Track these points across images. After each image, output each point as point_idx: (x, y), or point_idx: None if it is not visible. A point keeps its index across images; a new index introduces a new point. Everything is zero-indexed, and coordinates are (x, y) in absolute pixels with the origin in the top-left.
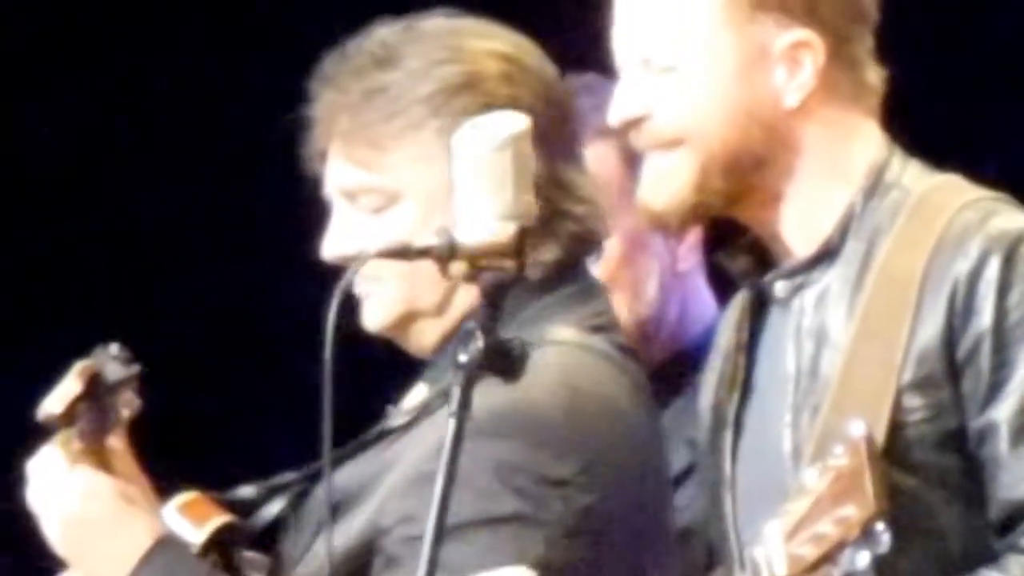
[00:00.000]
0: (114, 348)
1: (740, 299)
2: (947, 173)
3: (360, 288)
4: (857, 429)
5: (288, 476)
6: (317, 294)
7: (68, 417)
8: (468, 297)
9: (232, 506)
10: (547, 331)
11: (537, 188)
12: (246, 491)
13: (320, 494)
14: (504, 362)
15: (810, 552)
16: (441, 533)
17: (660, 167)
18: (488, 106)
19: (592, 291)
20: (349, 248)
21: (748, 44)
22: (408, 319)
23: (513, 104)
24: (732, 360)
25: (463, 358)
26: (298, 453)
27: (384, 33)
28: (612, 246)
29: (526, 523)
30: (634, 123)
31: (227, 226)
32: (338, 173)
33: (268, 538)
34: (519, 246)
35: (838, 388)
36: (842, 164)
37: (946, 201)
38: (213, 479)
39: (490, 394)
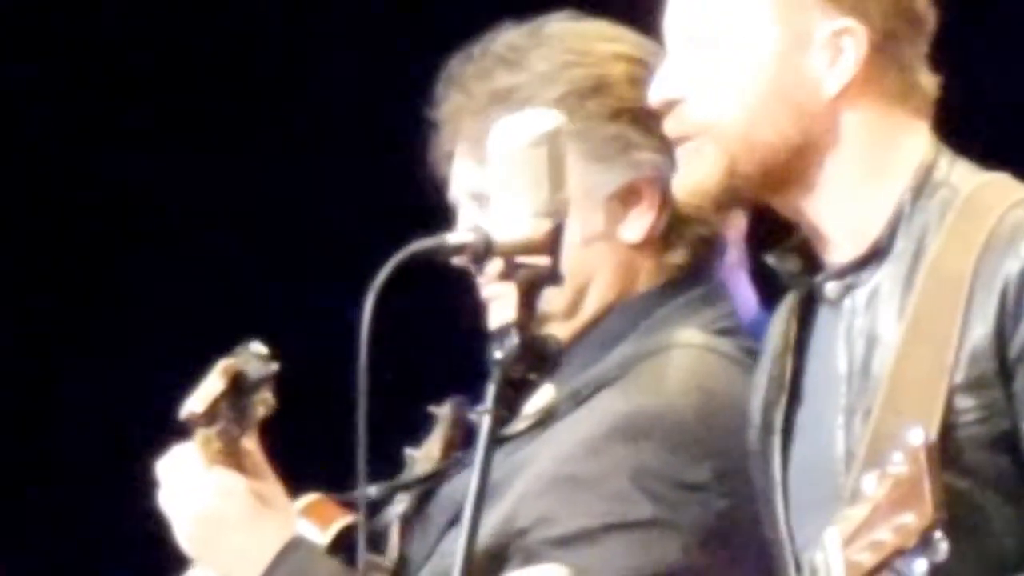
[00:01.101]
0: (256, 345)
1: (788, 301)
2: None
3: (487, 291)
4: (916, 437)
5: (412, 476)
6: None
7: (209, 416)
8: (597, 299)
9: (355, 507)
10: (674, 334)
11: (665, 193)
12: (369, 491)
13: (446, 494)
14: (539, 359)
15: (868, 559)
16: (476, 524)
17: (690, 153)
18: (619, 110)
19: (718, 294)
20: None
21: (792, 28)
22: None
23: (640, 105)
24: (780, 362)
25: (498, 355)
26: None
27: (509, 36)
28: None
29: (663, 528)
30: (670, 104)
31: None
32: (465, 175)
33: (391, 539)
34: (554, 243)
35: (889, 389)
36: (886, 160)
37: (996, 199)
38: (336, 480)
39: (624, 397)
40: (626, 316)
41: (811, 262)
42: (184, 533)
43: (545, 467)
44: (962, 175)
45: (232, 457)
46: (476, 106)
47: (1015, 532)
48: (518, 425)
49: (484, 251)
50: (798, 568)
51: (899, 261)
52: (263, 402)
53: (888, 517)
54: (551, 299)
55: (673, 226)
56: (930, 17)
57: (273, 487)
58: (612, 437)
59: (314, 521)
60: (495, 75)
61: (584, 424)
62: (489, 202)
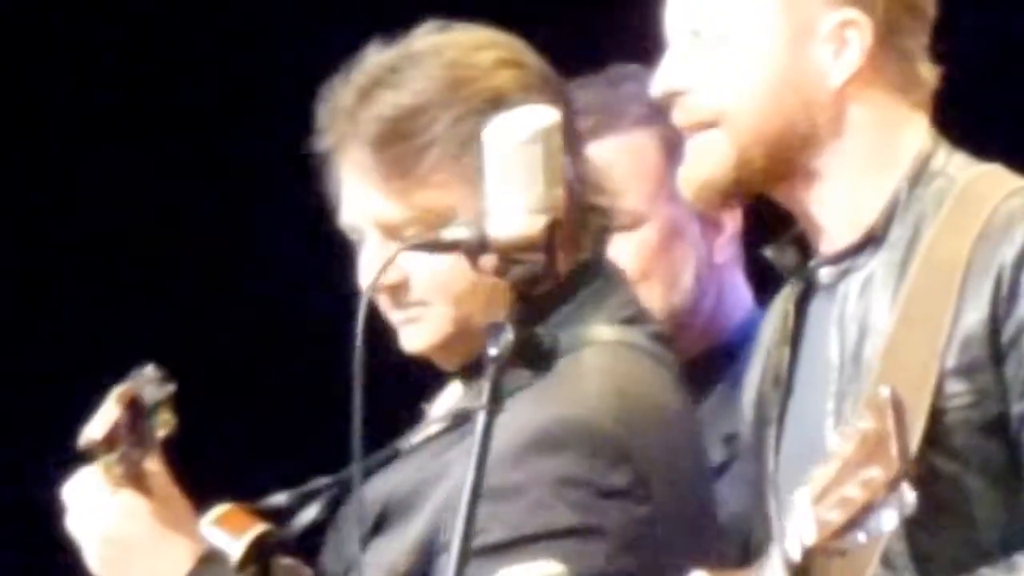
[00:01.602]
0: (150, 369)
1: (785, 293)
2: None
3: (401, 314)
4: (883, 391)
5: (321, 482)
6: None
7: (109, 442)
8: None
9: (267, 515)
10: (584, 331)
11: (570, 189)
12: (279, 499)
13: (361, 499)
14: (534, 355)
15: (837, 516)
16: (470, 533)
17: (699, 145)
18: None
19: (615, 280)
20: (393, 278)
21: (797, 20)
22: (455, 339)
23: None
24: (777, 354)
25: (493, 351)
26: (330, 459)
27: (383, 57)
28: (648, 236)
29: (586, 536)
30: (675, 95)
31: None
32: (371, 207)
33: (305, 545)
34: (550, 240)
35: (879, 373)
36: (886, 150)
37: (991, 189)
38: (244, 490)
39: (540, 406)
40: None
41: (807, 256)
42: (93, 556)
43: (461, 479)
44: (959, 165)
45: (136, 480)
46: (365, 134)
47: (998, 517)
48: (433, 428)
49: (479, 247)
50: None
51: (894, 249)
52: (164, 423)
53: (856, 472)
54: (474, 317)
55: (578, 223)
56: (931, 8)
57: (179, 506)
58: (531, 448)
59: (228, 530)
60: (378, 99)
61: (502, 433)
62: (402, 231)
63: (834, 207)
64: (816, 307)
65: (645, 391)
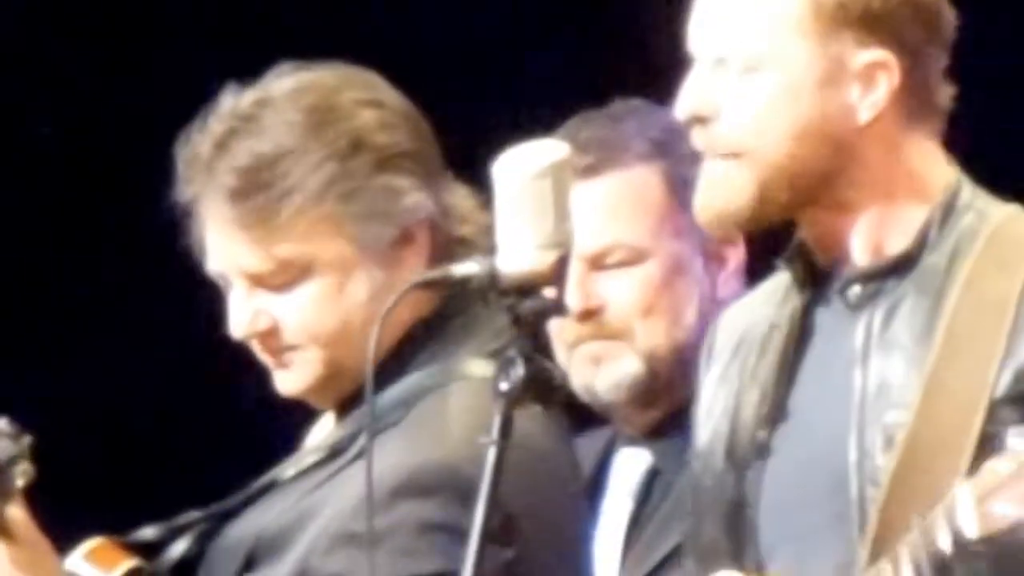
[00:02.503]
0: (3, 424)
1: (766, 299)
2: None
3: (275, 359)
4: None
5: (192, 515)
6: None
7: None
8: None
9: (137, 549)
10: (453, 365)
11: (433, 224)
12: (149, 532)
13: (232, 534)
14: (544, 390)
15: (1013, 511)
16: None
17: (720, 174)
18: (381, 160)
19: (485, 313)
20: (260, 325)
21: (827, 57)
22: (329, 381)
23: (397, 151)
24: (771, 359)
25: (504, 386)
26: (202, 494)
27: (239, 103)
28: (652, 271)
29: None
30: (700, 120)
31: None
32: (235, 257)
33: None
34: (559, 274)
35: (924, 400)
36: (912, 181)
37: None
38: (116, 525)
39: (404, 452)
40: (399, 351)
41: (811, 267)
42: None
43: (332, 522)
44: (986, 202)
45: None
46: (223, 185)
47: None
48: (305, 461)
49: (489, 283)
50: (759, 568)
51: (926, 276)
52: (23, 473)
53: None
54: (346, 360)
55: (444, 256)
56: (951, 30)
57: (43, 550)
58: (397, 493)
59: (98, 566)
60: (234, 149)
61: (367, 476)
62: (267, 279)
63: (857, 234)
64: (829, 321)
65: (516, 433)
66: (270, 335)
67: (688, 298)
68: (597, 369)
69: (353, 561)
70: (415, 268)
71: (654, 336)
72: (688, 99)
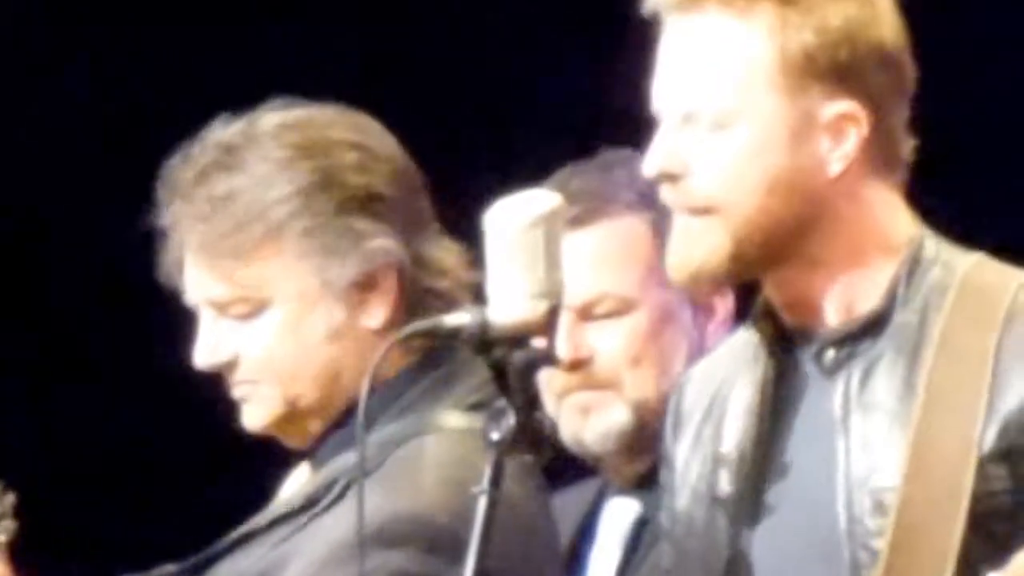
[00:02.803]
0: None
1: (733, 356)
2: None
3: (237, 392)
4: None
5: (167, 569)
6: None
7: None
8: (350, 389)
9: None
10: (429, 417)
11: (402, 275)
12: None
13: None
14: (535, 440)
15: None
16: None
17: (691, 231)
18: (346, 200)
19: (465, 369)
20: (224, 355)
21: (796, 111)
22: (288, 418)
23: (368, 193)
24: (754, 420)
25: (495, 436)
26: (179, 545)
27: (222, 135)
28: (640, 321)
29: None
30: (669, 178)
31: None
32: (202, 285)
33: None
34: (551, 324)
35: (912, 463)
36: (880, 235)
37: (999, 280)
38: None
39: (380, 499)
40: (377, 401)
41: (778, 327)
42: None
43: (306, 569)
44: (951, 254)
45: None
46: (200, 213)
47: None
48: (279, 510)
49: (480, 333)
50: None
51: (899, 334)
52: (5, 529)
53: None
54: (303, 397)
55: (415, 304)
56: (912, 82)
57: None
58: (370, 543)
59: None
60: (213, 179)
61: (342, 525)
62: (229, 309)
63: (826, 290)
64: (803, 384)
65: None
66: (230, 367)
67: (677, 348)
68: (586, 419)
69: None
70: (376, 315)
71: (643, 386)
72: (656, 156)
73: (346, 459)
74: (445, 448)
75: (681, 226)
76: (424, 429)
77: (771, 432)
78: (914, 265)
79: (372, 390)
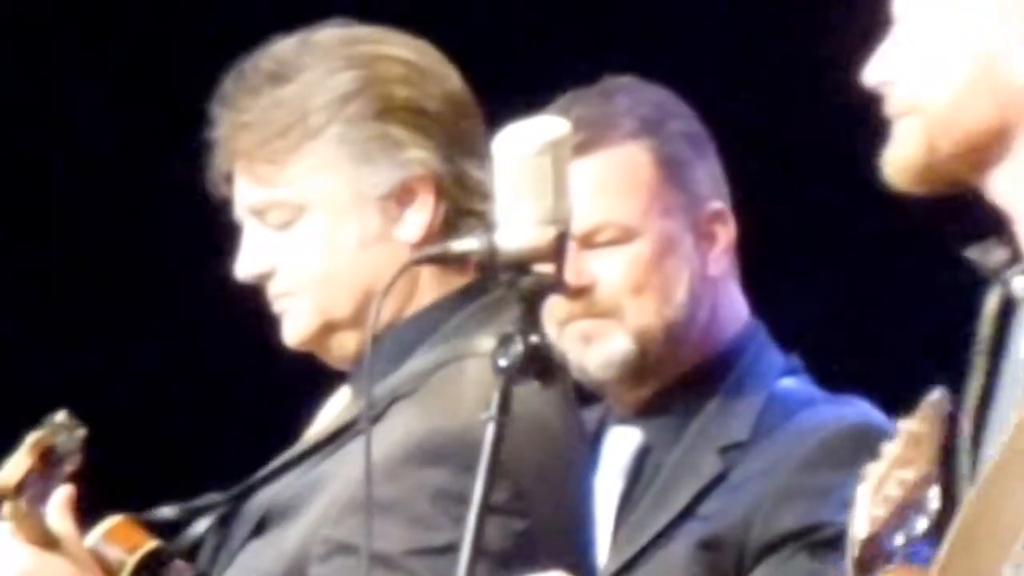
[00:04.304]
0: (62, 416)
1: (991, 299)
2: None
3: (276, 306)
4: (936, 393)
5: (212, 497)
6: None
7: (19, 488)
8: (385, 307)
9: (156, 528)
10: (470, 342)
11: (440, 191)
12: (167, 512)
13: (250, 507)
14: (543, 367)
15: (882, 513)
16: (479, 545)
17: (898, 131)
18: (386, 108)
19: (509, 297)
20: (263, 266)
21: (997, 10)
22: (325, 331)
23: (412, 105)
24: (976, 366)
25: (503, 362)
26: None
27: (278, 48)
28: (641, 250)
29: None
30: (881, 86)
31: None
32: (244, 192)
33: (193, 560)
34: (559, 251)
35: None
36: None
37: None
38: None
39: (419, 418)
40: (420, 325)
41: (1017, 256)
42: None
43: (341, 490)
44: None
45: (40, 524)
46: (248, 122)
47: None
48: (319, 435)
49: (489, 258)
50: None
51: None
52: (72, 462)
53: (897, 471)
54: (336, 307)
55: (452, 223)
56: None
57: (80, 549)
58: (409, 461)
59: (119, 545)
60: (265, 90)
61: (380, 445)
62: (267, 215)
63: None
64: (1018, 319)
65: (524, 405)
66: (268, 277)
67: (678, 276)
68: (588, 347)
69: (361, 529)
70: (412, 227)
71: (644, 314)
72: (871, 67)
73: (387, 382)
74: (484, 372)
75: (895, 131)
76: (464, 354)
77: (994, 366)
78: None
79: (413, 317)
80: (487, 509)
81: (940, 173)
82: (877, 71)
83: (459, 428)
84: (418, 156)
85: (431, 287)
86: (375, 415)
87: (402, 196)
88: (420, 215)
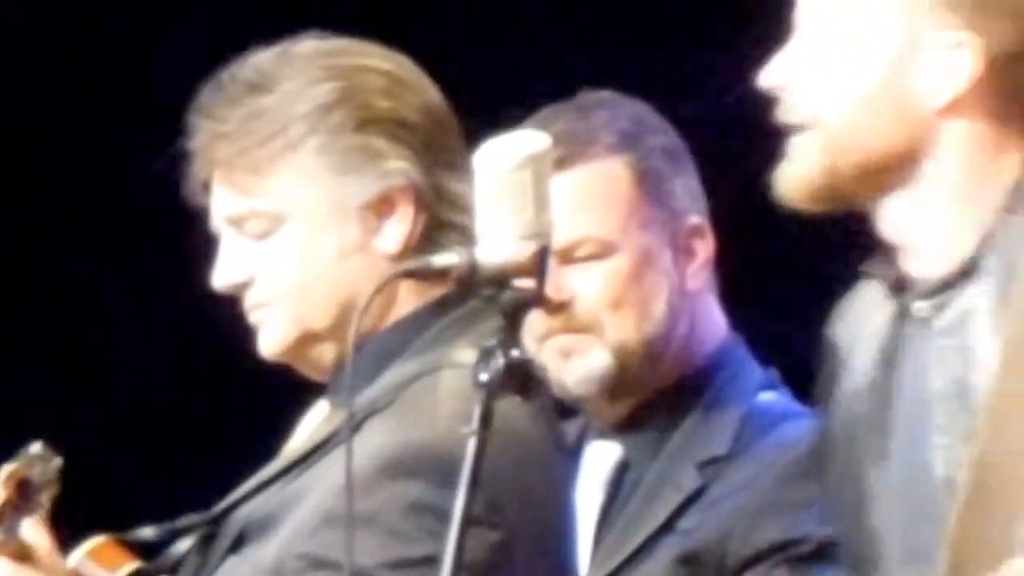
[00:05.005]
0: (37, 447)
1: (869, 301)
2: None
3: (252, 317)
4: None
5: (193, 517)
6: None
7: None
8: (364, 319)
9: (137, 548)
10: (446, 353)
11: (420, 202)
12: (147, 532)
13: (231, 522)
14: (523, 381)
15: None
16: (460, 560)
17: (792, 147)
18: (367, 119)
19: (487, 309)
20: (240, 276)
21: (907, 32)
22: (302, 342)
23: (392, 116)
24: (875, 375)
25: (484, 377)
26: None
27: (258, 59)
28: (620, 264)
29: (439, 564)
30: (776, 91)
31: None
32: (222, 202)
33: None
34: (540, 265)
35: (994, 412)
36: (981, 179)
37: None
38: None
39: (394, 431)
40: (397, 336)
41: (897, 273)
42: None
43: (317, 504)
44: None
45: (18, 547)
46: (227, 132)
47: None
48: (298, 448)
49: (469, 273)
50: None
51: (990, 280)
52: (48, 491)
53: None
54: (313, 318)
55: (431, 235)
56: None
57: (63, 571)
58: (383, 473)
59: (101, 565)
60: (244, 99)
61: (356, 458)
62: (245, 225)
63: (926, 233)
64: (910, 335)
65: (499, 418)
66: (245, 288)
67: (657, 291)
68: (567, 362)
69: (335, 542)
70: (391, 238)
71: (623, 329)
72: (768, 70)
73: (365, 395)
74: (462, 382)
75: (790, 145)
76: (440, 365)
77: (889, 378)
78: (1012, 209)
79: (390, 329)
80: (466, 522)
81: (840, 194)
82: (774, 74)
83: (434, 440)
84: (398, 167)
85: (408, 298)
86: (351, 428)
87: (381, 207)
88: (399, 226)
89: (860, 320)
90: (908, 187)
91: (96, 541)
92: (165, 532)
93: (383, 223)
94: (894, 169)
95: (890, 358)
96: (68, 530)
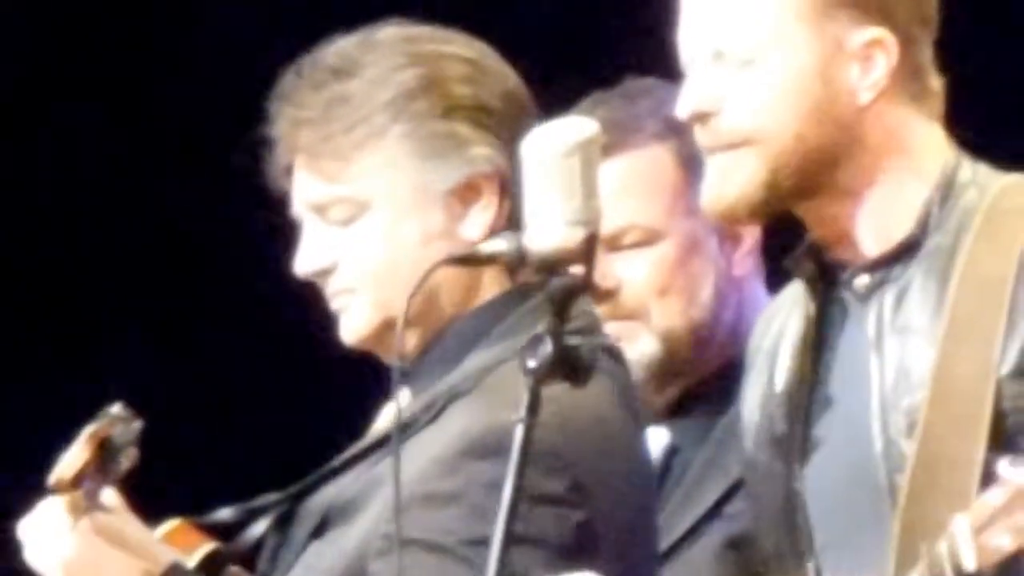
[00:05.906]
0: (118, 408)
1: (792, 300)
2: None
3: (335, 303)
4: None
5: (269, 498)
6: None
7: (76, 481)
8: (448, 304)
9: (214, 530)
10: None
11: (504, 189)
12: (225, 514)
13: (309, 507)
14: (572, 368)
15: (1008, 542)
16: (509, 543)
17: (726, 165)
18: (451, 106)
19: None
20: (323, 262)
21: (824, 39)
22: (384, 329)
23: (474, 103)
24: (797, 362)
25: (532, 364)
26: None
27: (340, 45)
28: (667, 251)
29: (523, 543)
30: (702, 117)
31: None
32: (305, 188)
33: (252, 562)
34: (588, 252)
35: (935, 389)
36: (913, 163)
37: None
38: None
39: (477, 413)
40: (478, 322)
41: (822, 264)
42: None
43: (403, 486)
44: (987, 176)
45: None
46: (310, 118)
47: None
48: (379, 433)
49: (518, 260)
50: (818, 573)
51: (931, 258)
52: (128, 456)
53: None
54: (398, 304)
55: (517, 222)
56: (936, 17)
57: (139, 530)
58: (466, 454)
59: (177, 548)
60: (327, 85)
61: (438, 441)
62: (329, 211)
63: (862, 221)
64: (841, 316)
65: (582, 400)
66: (327, 274)
67: (703, 277)
68: None
69: (420, 522)
70: (476, 225)
71: (670, 316)
72: (690, 97)
73: (446, 381)
74: None
75: (715, 164)
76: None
77: (814, 369)
78: (947, 190)
79: (472, 314)
80: (542, 500)
81: (774, 206)
82: (695, 102)
83: (513, 424)
84: (483, 154)
85: (491, 286)
86: (434, 414)
87: (466, 194)
88: (484, 213)
89: (784, 319)
90: (843, 184)
91: (172, 523)
92: (242, 513)
93: (468, 210)
94: (831, 169)
95: (818, 347)
96: (145, 511)
